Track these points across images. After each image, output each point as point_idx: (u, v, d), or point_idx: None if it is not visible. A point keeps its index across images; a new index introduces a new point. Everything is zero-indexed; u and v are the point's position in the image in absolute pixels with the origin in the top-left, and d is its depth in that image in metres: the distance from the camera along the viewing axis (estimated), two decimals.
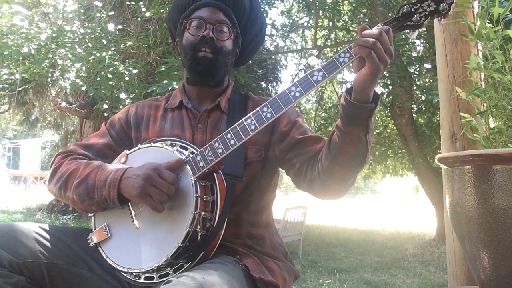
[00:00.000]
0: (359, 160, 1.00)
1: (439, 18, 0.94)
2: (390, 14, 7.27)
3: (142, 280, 1.02)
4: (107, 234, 1.09)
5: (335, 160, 1.00)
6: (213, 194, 1.02)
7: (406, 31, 0.96)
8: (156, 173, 0.99)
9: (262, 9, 1.42)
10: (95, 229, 1.12)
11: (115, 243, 1.08)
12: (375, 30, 0.90)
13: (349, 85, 0.96)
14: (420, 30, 0.97)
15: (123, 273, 1.05)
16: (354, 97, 0.93)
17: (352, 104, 0.92)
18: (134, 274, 1.02)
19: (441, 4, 0.92)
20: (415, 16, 0.94)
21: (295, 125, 1.18)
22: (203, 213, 0.99)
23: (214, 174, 1.03)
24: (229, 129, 1.01)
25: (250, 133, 0.98)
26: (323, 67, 0.95)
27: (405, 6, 0.95)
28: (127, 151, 1.14)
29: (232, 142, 0.99)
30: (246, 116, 1.00)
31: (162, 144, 1.08)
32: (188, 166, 1.02)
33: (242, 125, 0.99)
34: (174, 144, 1.09)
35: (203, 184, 1.02)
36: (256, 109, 0.99)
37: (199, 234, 0.99)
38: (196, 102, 1.26)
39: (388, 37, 0.90)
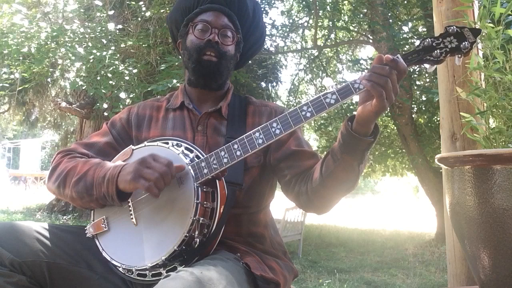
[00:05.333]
0: (348, 186, 1.04)
1: (459, 55, 0.94)
2: (390, 14, 7.27)
3: (134, 276, 1.03)
4: (105, 227, 1.10)
5: (324, 183, 1.04)
6: (214, 201, 1.03)
7: (425, 65, 0.96)
8: (151, 158, 0.99)
9: (263, 12, 1.43)
10: (93, 220, 1.13)
11: (112, 237, 1.09)
12: (387, 68, 0.90)
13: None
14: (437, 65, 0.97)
15: (116, 267, 1.06)
16: (355, 128, 0.95)
17: (352, 135, 0.95)
18: (127, 269, 1.03)
19: (463, 43, 0.92)
20: (435, 51, 0.93)
21: (293, 135, 1.19)
22: (201, 219, 0.99)
23: (217, 180, 1.04)
24: (236, 139, 1.01)
25: (257, 147, 0.99)
26: (337, 90, 0.95)
27: (427, 40, 0.94)
28: (133, 147, 1.14)
29: (238, 153, 1.00)
30: (255, 129, 1.00)
31: (168, 144, 1.08)
32: (192, 171, 1.02)
33: (250, 138, 1.00)
34: (180, 145, 1.09)
35: (205, 190, 1.02)
36: (266, 124, 0.99)
37: (196, 239, 0.99)
38: (197, 104, 1.27)
39: (402, 74, 0.91)
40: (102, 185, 1.04)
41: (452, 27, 0.94)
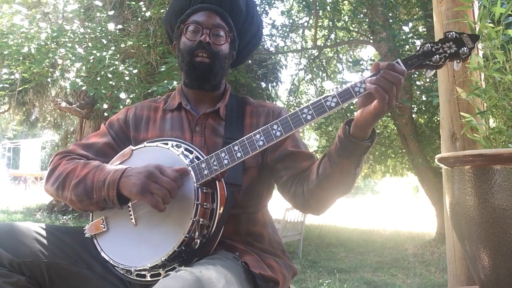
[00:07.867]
0: (344, 188, 1.05)
1: (458, 61, 0.95)
2: (390, 14, 7.27)
3: (133, 277, 1.03)
4: (104, 228, 1.10)
5: (321, 185, 1.04)
6: (213, 202, 1.03)
7: (424, 70, 0.96)
8: (158, 171, 0.99)
9: (259, 10, 1.42)
10: (92, 220, 1.13)
11: (111, 237, 1.09)
12: (396, 75, 0.90)
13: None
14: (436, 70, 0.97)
15: (115, 268, 1.06)
16: (353, 132, 0.96)
17: (349, 139, 0.95)
18: (126, 269, 1.03)
19: (462, 48, 0.93)
20: (435, 56, 0.94)
21: (290, 136, 1.19)
22: (201, 220, 0.99)
23: (216, 182, 1.04)
24: (237, 141, 1.01)
25: (258, 148, 0.99)
26: (338, 94, 0.96)
27: (426, 45, 0.95)
28: (133, 147, 1.14)
29: (238, 155, 1.00)
30: (255, 131, 1.00)
31: (168, 145, 1.08)
32: (192, 172, 1.02)
33: (250, 140, 1.00)
34: (179, 145, 1.09)
35: (205, 191, 1.02)
36: (266, 126, 0.99)
37: (196, 240, 0.99)
38: (194, 105, 1.27)
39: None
40: (103, 189, 1.04)
41: (451, 33, 0.94)
